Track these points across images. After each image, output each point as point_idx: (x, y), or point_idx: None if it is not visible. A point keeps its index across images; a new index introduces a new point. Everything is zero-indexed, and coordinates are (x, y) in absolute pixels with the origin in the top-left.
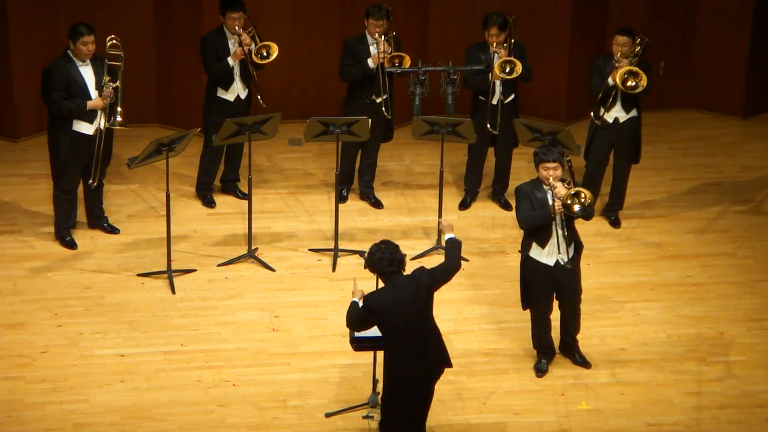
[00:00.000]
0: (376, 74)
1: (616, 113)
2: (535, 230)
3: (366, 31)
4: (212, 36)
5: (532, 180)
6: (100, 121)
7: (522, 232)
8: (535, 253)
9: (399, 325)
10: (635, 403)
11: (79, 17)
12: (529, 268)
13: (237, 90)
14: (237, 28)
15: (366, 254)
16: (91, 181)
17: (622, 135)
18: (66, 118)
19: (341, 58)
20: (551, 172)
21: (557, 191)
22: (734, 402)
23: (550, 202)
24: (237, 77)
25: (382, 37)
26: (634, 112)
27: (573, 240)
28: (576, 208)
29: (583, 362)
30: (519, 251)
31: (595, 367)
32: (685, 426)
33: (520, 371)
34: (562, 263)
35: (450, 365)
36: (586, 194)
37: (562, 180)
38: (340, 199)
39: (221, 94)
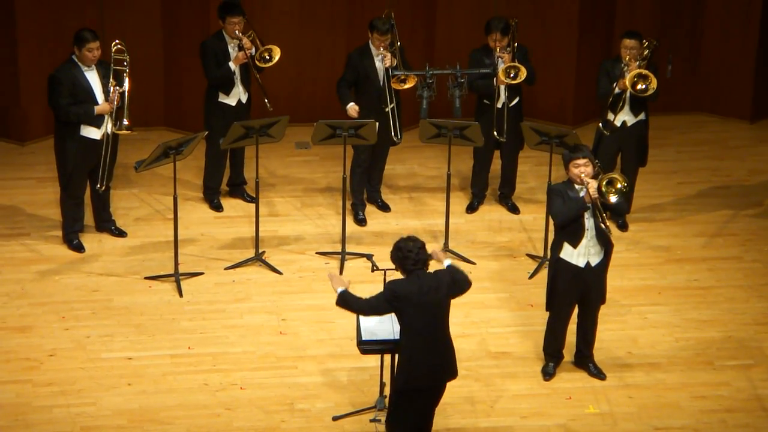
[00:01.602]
0: (382, 86)
1: (625, 116)
2: (569, 222)
3: (369, 43)
4: (212, 41)
5: (564, 181)
6: (107, 126)
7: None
8: (566, 253)
9: (420, 315)
10: (642, 407)
11: (86, 21)
12: (559, 270)
13: (238, 94)
14: (237, 32)
15: (392, 246)
16: (99, 186)
17: (630, 138)
18: (73, 123)
19: (344, 70)
20: (582, 168)
21: (591, 185)
22: (742, 406)
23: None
24: (238, 81)
25: (388, 50)
26: (642, 116)
27: (604, 237)
28: (613, 198)
29: (598, 373)
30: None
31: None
32: (693, 430)
33: (528, 375)
34: (594, 265)
35: (455, 376)
36: (619, 179)
37: (594, 177)
38: (358, 222)
39: (222, 99)
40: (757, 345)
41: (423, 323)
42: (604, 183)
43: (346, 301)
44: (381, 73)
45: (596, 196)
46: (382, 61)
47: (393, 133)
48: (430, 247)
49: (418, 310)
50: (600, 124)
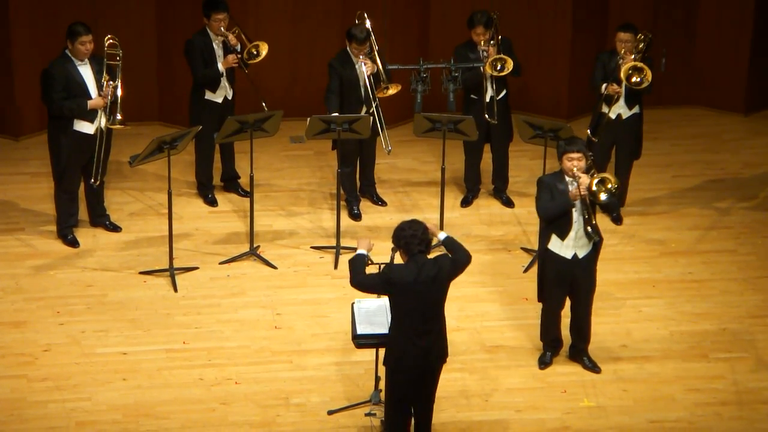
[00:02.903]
0: (364, 93)
1: (619, 110)
2: (554, 218)
3: (348, 50)
4: (197, 38)
5: (555, 172)
6: (101, 121)
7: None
8: (554, 245)
9: (412, 303)
10: (637, 400)
11: (80, 15)
12: (547, 261)
13: (224, 91)
14: (222, 29)
15: (396, 228)
16: (93, 181)
17: (624, 131)
18: (66, 118)
19: (329, 80)
20: (575, 162)
21: (582, 181)
22: (736, 398)
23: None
24: (224, 79)
25: (367, 57)
26: (636, 109)
27: (593, 231)
28: (603, 196)
29: (593, 367)
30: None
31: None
32: (687, 422)
33: (523, 368)
34: (582, 257)
35: (444, 359)
36: (611, 179)
37: (586, 171)
38: (353, 216)
39: (209, 96)
40: (751, 338)
41: (414, 311)
42: (595, 182)
43: (355, 263)
44: (362, 80)
45: (585, 193)
46: (362, 68)
47: (383, 143)
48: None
49: (410, 298)
50: (588, 130)
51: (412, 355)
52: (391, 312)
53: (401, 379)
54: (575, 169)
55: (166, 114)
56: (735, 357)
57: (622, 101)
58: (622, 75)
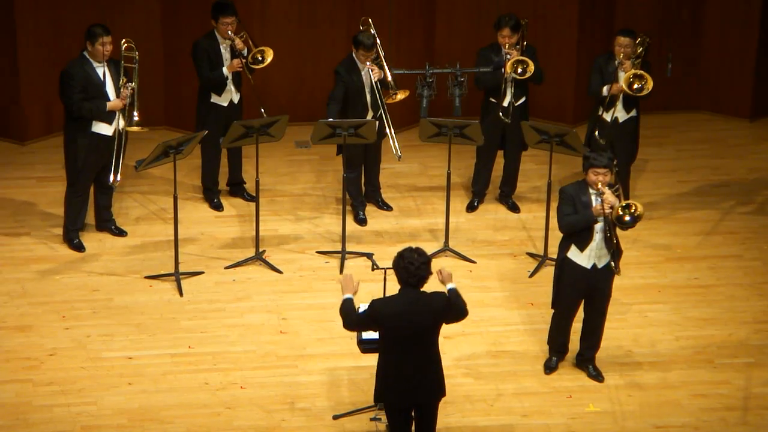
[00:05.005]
0: (371, 99)
1: (617, 113)
2: (575, 232)
3: (354, 56)
4: (204, 41)
5: (578, 182)
6: (119, 122)
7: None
8: (573, 254)
9: (396, 335)
10: (643, 405)
11: (86, 19)
12: (566, 269)
13: (230, 95)
14: (229, 32)
15: (396, 254)
16: (113, 179)
17: (622, 134)
18: (85, 120)
19: (334, 86)
20: (601, 177)
21: (606, 197)
22: (742, 404)
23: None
24: (229, 82)
25: (374, 63)
26: (633, 112)
27: (612, 245)
28: (627, 218)
29: (597, 375)
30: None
31: (602, 369)
32: (693, 428)
33: (528, 373)
34: (601, 267)
35: (443, 395)
36: (636, 206)
37: (610, 185)
38: (358, 221)
39: (215, 99)
40: (757, 343)
41: (400, 345)
42: (620, 207)
43: (344, 311)
44: (368, 87)
45: (609, 211)
46: (369, 74)
47: (393, 150)
48: (439, 265)
49: (397, 333)
50: (596, 133)
51: (398, 388)
52: (380, 347)
53: (393, 413)
54: (600, 183)
55: (173, 118)
56: (741, 362)
57: (620, 105)
58: (624, 83)
